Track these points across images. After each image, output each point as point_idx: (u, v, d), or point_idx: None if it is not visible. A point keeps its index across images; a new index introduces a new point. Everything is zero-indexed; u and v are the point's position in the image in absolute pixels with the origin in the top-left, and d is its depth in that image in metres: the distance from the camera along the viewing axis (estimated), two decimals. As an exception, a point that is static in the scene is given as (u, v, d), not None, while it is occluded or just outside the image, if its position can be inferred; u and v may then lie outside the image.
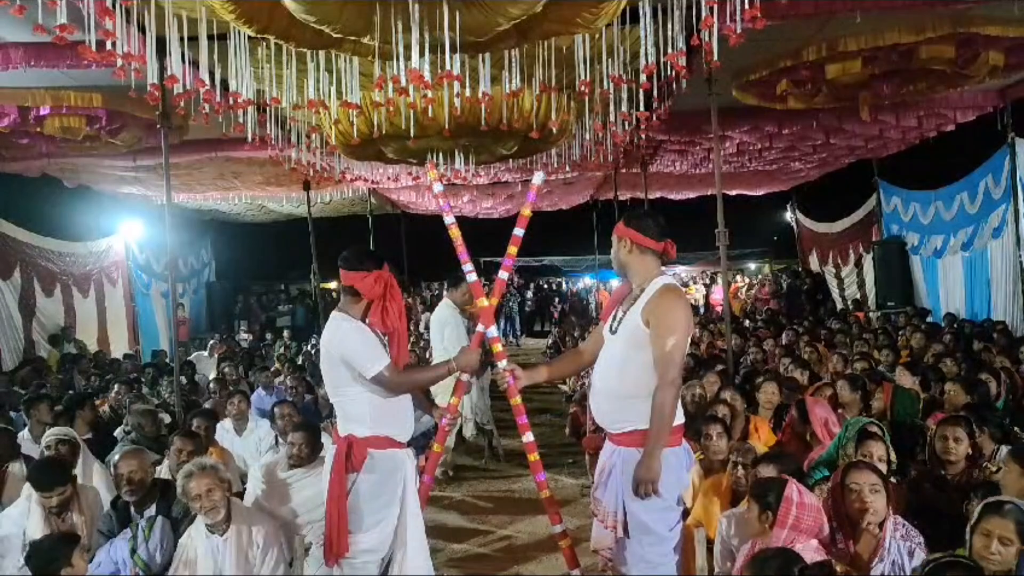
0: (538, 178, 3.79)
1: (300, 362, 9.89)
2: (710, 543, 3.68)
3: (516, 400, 3.56)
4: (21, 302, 10.64)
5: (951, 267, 11.60)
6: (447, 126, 6.37)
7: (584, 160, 9.66)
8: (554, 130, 6.98)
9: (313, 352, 10.38)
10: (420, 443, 4.68)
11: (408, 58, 4.70)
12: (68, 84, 6.77)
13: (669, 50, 4.88)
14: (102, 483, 4.40)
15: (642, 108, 6.44)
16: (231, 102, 5.79)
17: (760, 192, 15.99)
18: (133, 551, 3.64)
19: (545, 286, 24.19)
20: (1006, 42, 6.33)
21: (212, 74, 5.37)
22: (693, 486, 3.95)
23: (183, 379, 7.11)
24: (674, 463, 3.06)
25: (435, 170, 4.05)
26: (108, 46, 4.41)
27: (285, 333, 13.68)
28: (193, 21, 4.92)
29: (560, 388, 9.93)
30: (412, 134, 6.32)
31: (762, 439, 4.63)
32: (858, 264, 14.47)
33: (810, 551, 2.75)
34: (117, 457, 4.03)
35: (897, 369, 5.94)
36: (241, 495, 4.18)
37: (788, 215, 17.83)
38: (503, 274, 3.82)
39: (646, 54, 4.95)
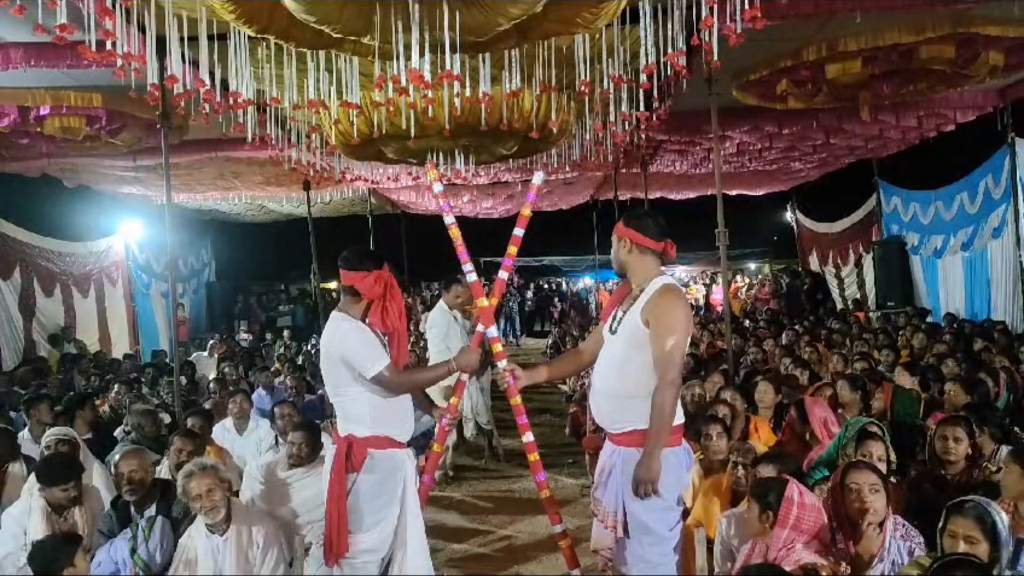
0: (538, 178, 3.78)
1: (300, 362, 9.88)
2: (710, 543, 3.68)
3: (516, 400, 3.56)
4: (21, 302, 10.64)
5: (951, 267, 11.60)
6: (447, 126, 6.37)
7: (584, 160, 9.66)
8: (554, 130, 6.98)
9: (313, 352, 10.38)
10: (420, 443, 4.68)
11: (408, 58, 4.70)
12: (68, 84, 6.77)
13: (669, 50, 4.88)
14: (102, 483, 4.40)
15: (642, 108, 6.44)
16: (231, 102, 5.79)
17: (760, 192, 15.99)
18: (133, 551, 3.64)
19: (545, 286, 24.18)
20: (1006, 42, 6.33)
21: (212, 74, 5.37)
22: (693, 486, 3.95)
23: (183, 379, 7.11)
24: (674, 463, 3.06)
25: (435, 170, 4.05)
26: (108, 46, 4.40)
27: (285, 333, 13.68)
28: (193, 21, 4.92)
29: (560, 388, 9.93)
30: (412, 134, 6.32)
31: (762, 439, 4.63)
32: (858, 264, 14.47)
33: (810, 551, 2.75)
34: (118, 457, 4.03)
35: (896, 369, 5.94)
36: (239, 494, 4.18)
37: (788, 215, 17.83)
38: (503, 274, 3.82)
39: (646, 54, 4.95)
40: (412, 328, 7.96)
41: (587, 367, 3.53)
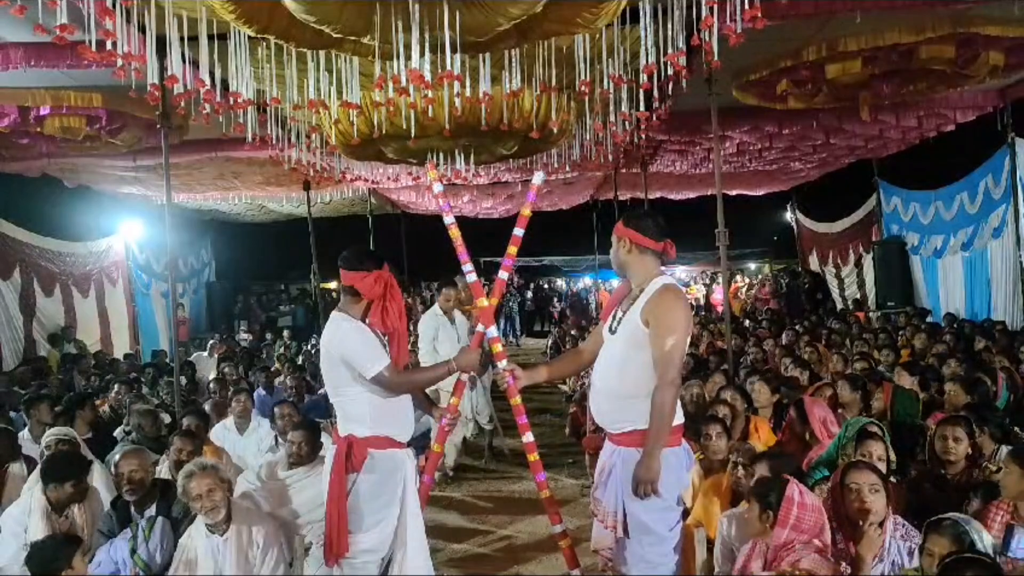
0: (538, 178, 3.79)
1: (300, 362, 9.88)
2: (710, 543, 3.68)
3: (516, 400, 3.56)
4: (21, 302, 10.64)
5: (951, 267, 11.61)
6: (447, 126, 6.36)
7: (584, 160, 9.66)
8: (554, 130, 6.98)
9: (313, 352, 10.38)
10: (420, 443, 4.68)
11: (408, 58, 4.70)
12: (68, 84, 6.77)
13: (669, 50, 4.88)
14: (102, 483, 4.39)
15: (642, 108, 6.44)
16: (231, 102, 5.79)
17: (760, 192, 15.99)
18: (133, 551, 3.65)
19: (545, 286, 24.18)
20: (1006, 42, 6.33)
21: (212, 74, 5.37)
22: (693, 486, 3.95)
23: (183, 379, 7.11)
24: (674, 463, 3.06)
25: (435, 170, 4.05)
26: (108, 46, 4.40)
27: (285, 333, 13.68)
28: (193, 21, 4.92)
29: (560, 388, 9.92)
30: (412, 134, 6.32)
31: (762, 439, 4.63)
32: (858, 264, 14.47)
33: (810, 551, 2.75)
34: (118, 456, 4.03)
35: (896, 369, 5.94)
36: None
37: (788, 215, 17.83)
38: (503, 274, 3.83)
39: (646, 54, 4.95)
40: (412, 328, 7.94)
41: (587, 367, 3.53)
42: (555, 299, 22.73)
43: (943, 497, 3.57)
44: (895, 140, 10.86)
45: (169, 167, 6.39)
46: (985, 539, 2.54)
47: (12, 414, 6.31)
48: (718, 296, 18.03)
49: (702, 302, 19.49)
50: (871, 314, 12.61)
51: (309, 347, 11.47)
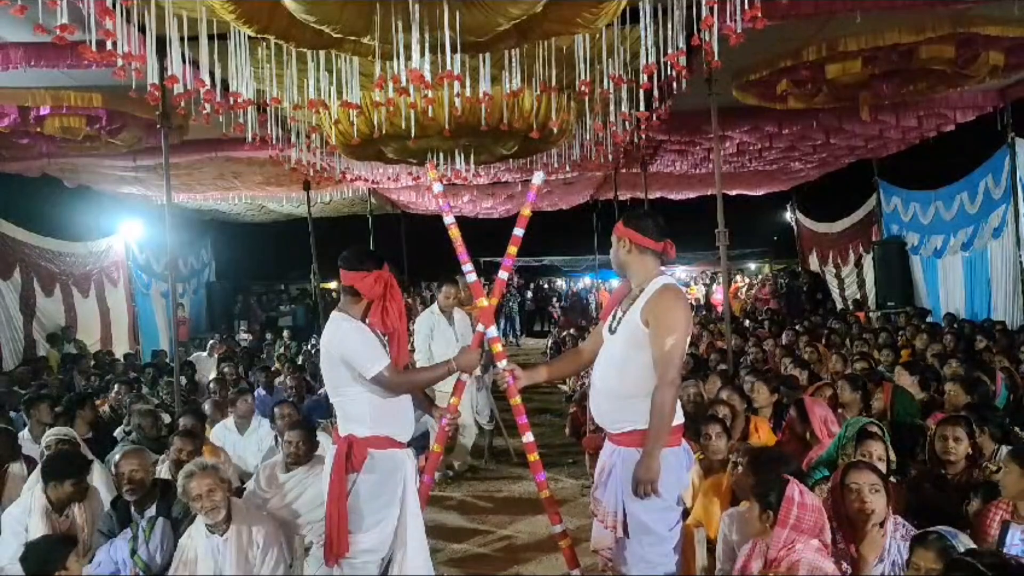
0: (538, 178, 3.79)
1: (300, 362, 9.89)
2: (710, 543, 3.68)
3: (516, 400, 3.57)
4: (21, 302, 10.65)
5: (951, 267, 11.61)
6: (447, 126, 6.37)
7: (584, 160, 9.66)
8: (554, 130, 6.99)
9: (313, 352, 10.38)
10: (420, 443, 4.67)
11: (408, 58, 4.70)
12: (68, 84, 6.77)
13: (669, 50, 4.88)
14: (102, 483, 4.40)
15: (642, 108, 6.45)
16: (231, 102, 5.80)
17: (760, 192, 15.99)
18: (133, 552, 3.64)
19: (545, 286, 24.18)
20: (1006, 42, 6.33)
21: (212, 74, 5.38)
22: (693, 486, 3.95)
23: (183, 379, 7.11)
24: (674, 463, 3.06)
25: (435, 170, 4.05)
26: (108, 46, 4.41)
27: (285, 333, 13.68)
28: (193, 21, 4.93)
29: (560, 388, 9.93)
30: (412, 134, 6.33)
31: (762, 439, 4.63)
32: (858, 264, 14.48)
33: (810, 551, 2.75)
34: (118, 456, 4.04)
35: (896, 369, 5.94)
36: (240, 492, 4.18)
37: (788, 215, 17.83)
38: (503, 274, 3.83)
39: (646, 54, 4.95)
40: (412, 328, 7.95)
41: (587, 367, 3.53)
42: (554, 299, 22.73)
43: (943, 497, 3.57)
44: (895, 140, 10.86)
45: (169, 167, 6.40)
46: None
47: (12, 414, 6.31)
48: (718, 296, 18.03)
49: (702, 302, 19.49)
50: (871, 314, 12.61)
51: (309, 347, 11.47)
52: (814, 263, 16.54)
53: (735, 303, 16.87)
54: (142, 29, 4.82)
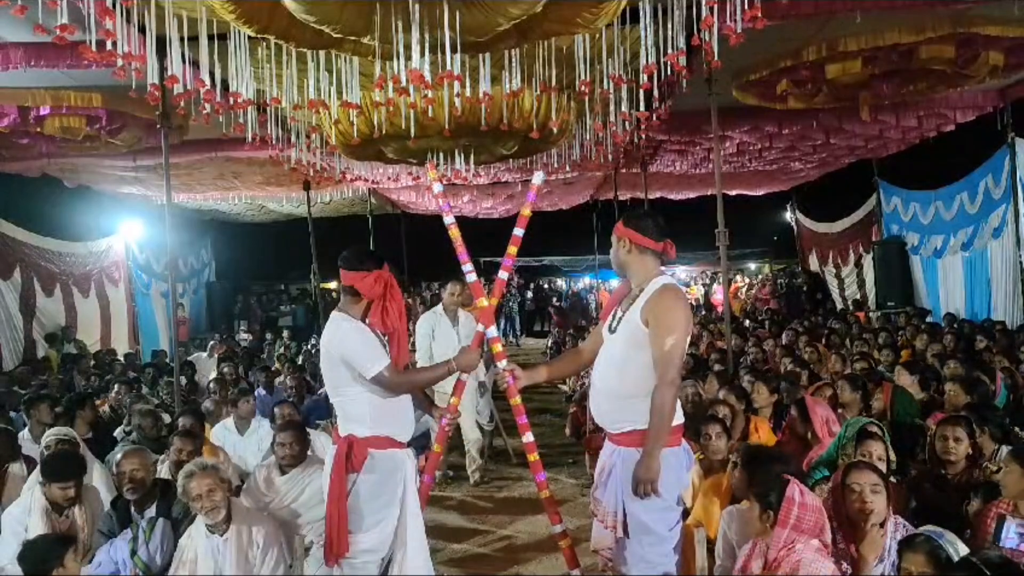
0: (538, 178, 3.79)
1: (300, 362, 9.88)
2: (710, 543, 3.68)
3: (516, 400, 3.57)
4: (21, 302, 10.65)
5: (951, 267, 11.61)
6: (447, 126, 6.37)
7: (584, 160, 9.66)
8: (554, 130, 6.98)
9: (313, 352, 10.38)
10: (420, 443, 4.67)
11: (408, 58, 4.70)
12: (68, 84, 6.77)
13: (669, 50, 4.88)
14: (102, 483, 4.40)
15: (642, 108, 6.45)
16: (231, 102, 5.80)
17: (760, 192, 15.99)
18: (133, 552, 3.64)
19: (545, 286, 24.18)
20: (1006, 42, 6.33)
21: (212, 74, 5.38)
22: (693, 486, 3.95)
23: (183, 379, 7.11)
24: (674, 463, 3.06)
25: (435, 170, 4.05)
26: (108, 46, 4.41)
27: (285, 333, 13.68)
28: (193, 21, 4.93)
29: (560, 388, 9.92)
30: (412, 134, 6.33)
31: (762, 439, 4.63)
32: (858, 264, 14.48)
33: (811, 551, 2.75)
34: (119, 456, 4.04)
35: (896, 369, 5.94)
36: (239, 492, 4.18)
37: (788, 215, 17.83)
38: (503, 274, 3.83)
39: (646, 54, 4.95)
40: (412, 328, 7.93)
41: (587, 367, 3.53)
42: (554, 299, 22.73)
43: (943, 497, 3.57)
44: (895, 140, 10.86)
45: (169, 167, 6.40)
46: (960, 550, 2.53)
47: (12, 414, 6.31)
48: (718, 296, 18.03)
49: (702, 302, 19.48)
50: (871, 314, 12.61)
51: (309, 347, 11.47)
52: (814, 263, 16.54)
53: (735, 303, 16.87)
54: (142, 29, 4.82)
